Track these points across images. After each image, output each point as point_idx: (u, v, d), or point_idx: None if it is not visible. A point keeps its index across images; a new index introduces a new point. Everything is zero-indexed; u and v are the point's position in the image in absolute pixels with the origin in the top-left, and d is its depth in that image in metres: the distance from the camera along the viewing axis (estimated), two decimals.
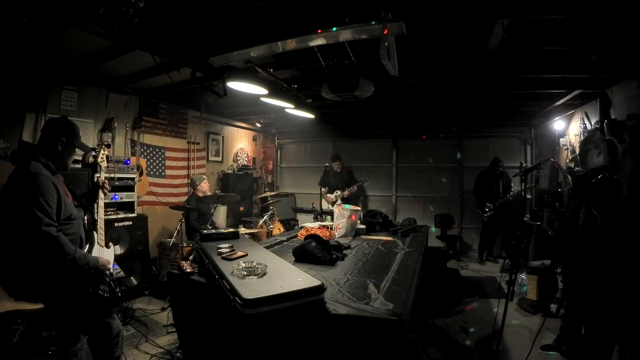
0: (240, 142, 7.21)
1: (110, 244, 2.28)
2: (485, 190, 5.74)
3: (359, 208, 3.99)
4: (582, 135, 4.43)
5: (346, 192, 6.15)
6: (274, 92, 3.96)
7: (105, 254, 2.17)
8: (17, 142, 2.11)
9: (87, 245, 2.08)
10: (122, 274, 3.30)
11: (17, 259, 1.84)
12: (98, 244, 2.16)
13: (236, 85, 3.29)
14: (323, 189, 6.39)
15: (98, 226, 2.23)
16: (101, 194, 2.34)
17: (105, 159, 2.55)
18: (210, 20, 2.73)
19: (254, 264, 1.87)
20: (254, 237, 4.84)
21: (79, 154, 3.52)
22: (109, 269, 2.05)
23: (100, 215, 2.28)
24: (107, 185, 2.37)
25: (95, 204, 2.35)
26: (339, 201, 6.04)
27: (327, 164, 6.00)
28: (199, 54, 3.13)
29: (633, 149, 1.77)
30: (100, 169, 2.51)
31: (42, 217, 1.74)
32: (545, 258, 4.25)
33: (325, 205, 5.81)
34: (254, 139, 7.69)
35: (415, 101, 5.25)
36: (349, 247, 3.07)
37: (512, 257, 3.04)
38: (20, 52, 3.13)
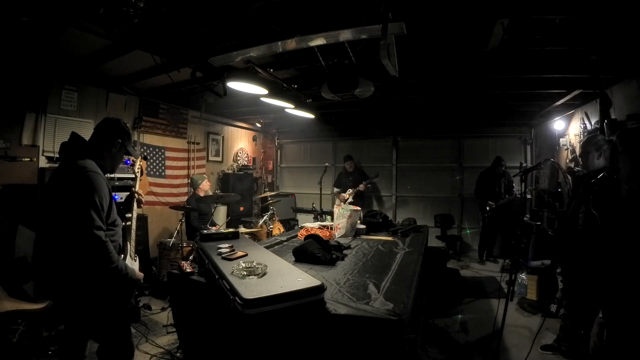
0: (240, 142, 7.21)
1: (136, 256, 2.19)
2: (487, 189, 5.74)
3: (359, 208, 3.99)
4: (582, 135, 4.43)
5: (362, 186, 6.22)
6: (274, 92, 3.96)
7: (133, 266, 2.09)
8: (70, 134, 1.94)
9: (122, 255, 2.01)
10: None
11: (54, 258, 1.74)
12: (130, 255, 2.08)
13: (236, 85, 3.30)
14: (337, 189, 6.60)
15: (130, 237, 2.15)
16: (135, 205, 2.23)
17: (140, 169, 2.45)
18: (210, 20, 2.73)
19: (254, 264, 1.87)
20: (254, 237, 4.83)
21: None
22: (141, 283, 2.01)
23: (133, 227, 2.18)
24: (142, 197, 2.27)
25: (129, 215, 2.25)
26: (350, 199, 6.10)
27: (326, 164, 6.01)
28: (199, 54, 3.13)
29: (626, 150, 1.77)
30: (136, 178, 2.41)
31: (95, 218, 1.66)
32: (545, 258, 4.24)
33: (337, 204, 5.87)
34: (254, 139, 7.68)
35: (415, 101, 5.25)
36: (349, 247, 3.07)
37: (512, 257, 3.04)
38: (20, 52, 3.13)
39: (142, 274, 2.02)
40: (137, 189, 2.27)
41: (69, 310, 1.86)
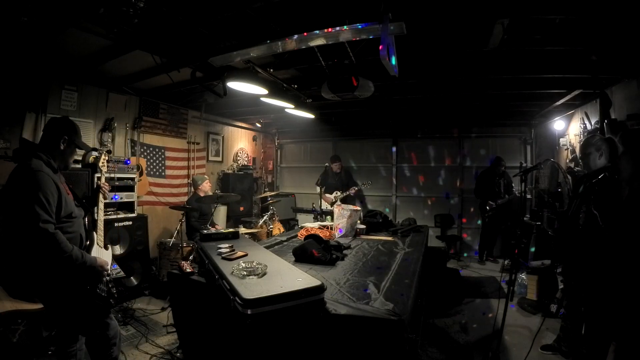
0: (240, 142, 7.21)
1: (109, 245, 2.29)
2: (486, 189, 5.75)
3: (359, 208, 3.99)
4: (582, 135, 4.43)
5: (352, 192, 6.11)
6: (274, 92, 3.96)
7: (104, 255, 2.17)
8: (19, 140, 2.11)
9: (87, 244, 2.08)
10: (122, 274, 3.30)
11: (15, 256, 1.84)
12: (97, 244, 2.16)
13: (236, 85, 3.29)
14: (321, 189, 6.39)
15: (97, 227, 2.24)
16: (101, 197, 2.36)
17: (105, 163, 2.63)
18: (210, 20, 2.73)
19: (254, 264, 1.87)
20: (254, 237, 4.84)
21: (79, 154, 3.54)
22: (107, 270, 2.05)
23: (100, 217, 2.29)
24: (106, 187, 2.41)
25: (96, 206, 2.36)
26: (338, 202, 6.04)
27: (327, 164, 6.00)
28: (199, 54, 3.13)
29: (629, 151, 1.78)
30: (101, 172, 2.59)
31: (40, 213, 1.74)
32: (545, 258, 4.25)
33: (324, 205, 5.80)
34: (254, 139, 7.68)
35: (415, 101, 5.25)
36: (349, 247, 3.07)
37: (512, 257, 3.04)
38: (20, 52, 3.13)
39: (106, 261, 2.07)
40: (102, 182, 2.42)
41: (45, 304, 1.94)
